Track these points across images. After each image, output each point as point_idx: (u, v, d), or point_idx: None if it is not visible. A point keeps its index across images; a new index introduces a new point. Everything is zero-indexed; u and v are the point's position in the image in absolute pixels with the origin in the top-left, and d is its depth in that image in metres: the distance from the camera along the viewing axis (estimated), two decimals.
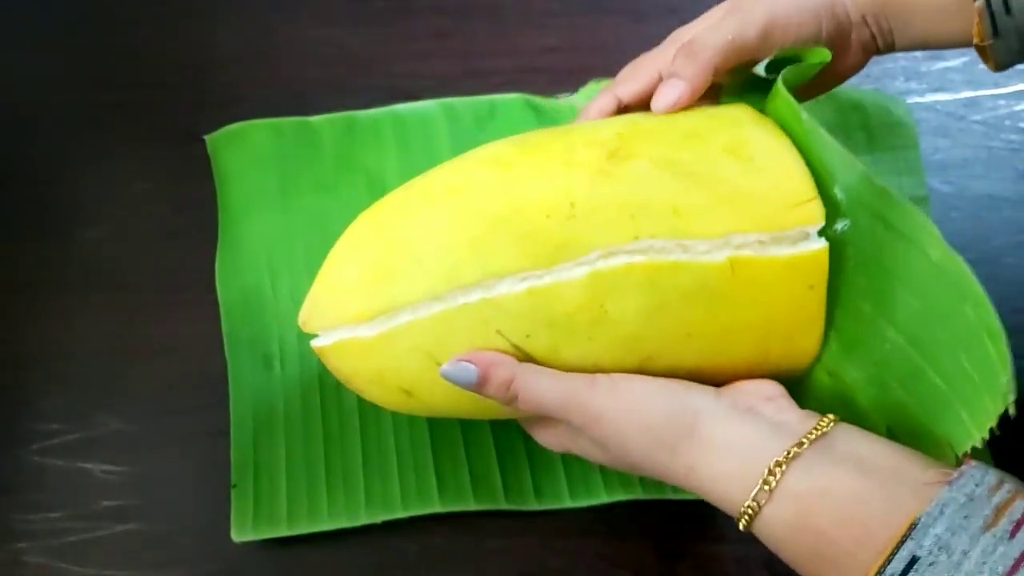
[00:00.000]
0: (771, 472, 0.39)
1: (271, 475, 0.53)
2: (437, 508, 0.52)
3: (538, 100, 0.65)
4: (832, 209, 0.44)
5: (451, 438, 0.54)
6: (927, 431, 0.41)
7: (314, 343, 0.45)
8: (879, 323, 0.43)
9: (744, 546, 0.52)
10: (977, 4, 0.47)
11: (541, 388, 0.42)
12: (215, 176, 0.62)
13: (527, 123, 0.65)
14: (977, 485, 0.36)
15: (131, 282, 0.60)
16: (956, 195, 0.63)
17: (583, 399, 0.42)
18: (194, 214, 0.61)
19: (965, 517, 0.35)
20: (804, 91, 0.50)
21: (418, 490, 0.52)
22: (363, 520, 0.52)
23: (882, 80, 0.68)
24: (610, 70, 0.69)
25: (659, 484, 0.52)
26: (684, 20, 0.70)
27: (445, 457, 0.54)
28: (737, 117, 0.47)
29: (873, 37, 0.50)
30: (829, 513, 0.38)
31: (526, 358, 0.43)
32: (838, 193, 0.44)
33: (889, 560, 0.35)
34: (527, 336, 0.42)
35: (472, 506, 0.52)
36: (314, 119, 0.64)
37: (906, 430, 0.42)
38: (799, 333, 0.44)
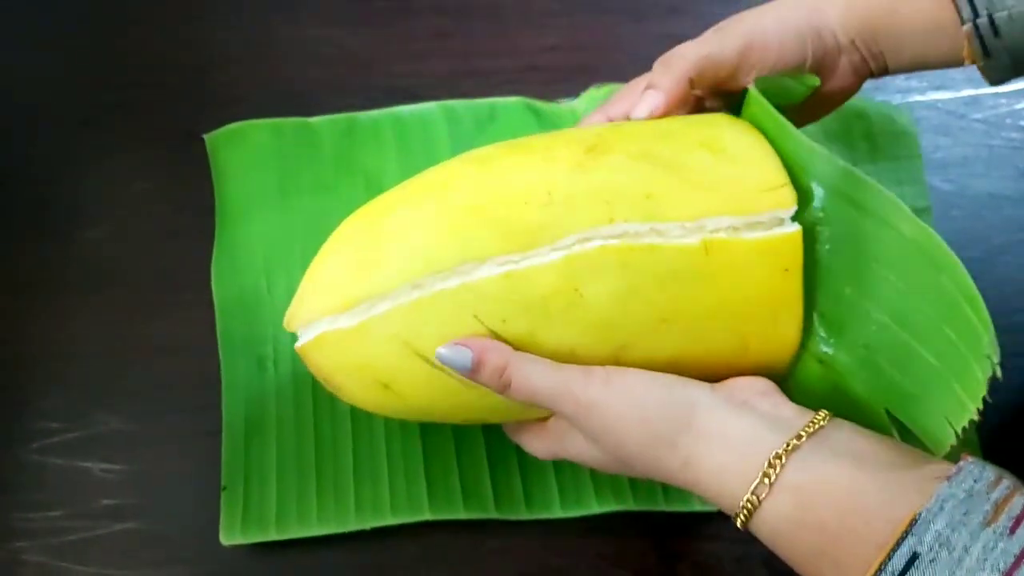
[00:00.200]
0: (771, 465, 0.38)
1: (261, 478, 0.53)
2: (427, 516, 0.52)
3: (539, 104, 0.65)
4: (806, 198, 0.44)
5: (443, 445, 0.54)
6: (924, 410, 0.41)
7: (297, 344, 0.46)
8: (863, 304, 0.43)
9: (743, 546, 0.52)
10: (965, 28, 0.47)
11: (535, 376, 0.42)
12: (213, 175, 0.62)
13: (527, 126, 0.64)
14: (976, 481, 0.36)
15: (131, 282, 0.60)
16: (957, 193, 0.63)
17: (577, 388, 0.42)
18: (194, 214, 0.61)
19: (965, 513, 0.35)
20: (799, 116, 0.50)
21: (408, 497, 0.52)
22: (352, 526, 0.51)
23: (883, 79, 0.68)
24: (610, 70, 0.69)
25: (650, 494, 0.52)
26: (684, 20, 0.71)
27: (436, 464, 0.53)
28: (713, 119, 0.48)
29: (864, 60, 0.50)
30: (830, 506, 0.37)
31: (502, 341, 0.43)
32: (814, 187, 0.44)
33: (890, 556, 0.35)
34: (503, 321, 0.42)
35: (462, 514, 0.52)
36: (314, 120, 0.64)
37: (904, 411, 0.42)
38: (777, 319, 0.44)
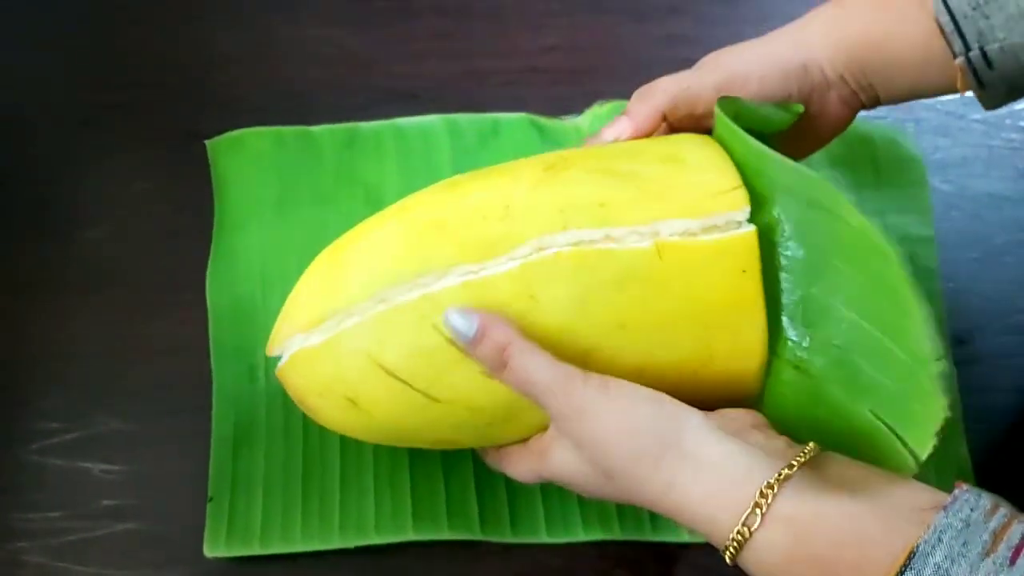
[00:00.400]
0: (762, 494, 0.37)
1: (248, 491, 0.53)
2: (410, 536, 0.51)
3: (542, 120, 0.64)
4: (765, 204, 0.44)
5: (431, 464, 0.54)
6: (904, 408, 0.41)
7: (277, 368, 0.47)
8: (830, 303, 0.43)
9: None
10: (957, 61, 0.47)
11: (533, 365, 0.41)
12: (214, 182, 0.62)
13: (530, 142, 0.64)
14: (972, 510, 0.35)
15: (131, 282, 0.60)
16: (956, 194, 0.63)
17: (572, 387, 0.41)
18: (194, 215, 0.61)
19: (963, 544, 0.34)
20: (793, 148, 0.49)
21: (393, 516, 0.52)
22: (336, 544, 0.51)
23: None
24: (610, 71, 0.69)
25: (638, 523, 0.52)
26: (684, 20, 0.71)
27: (423, 483, 0.53)
28: (676, 137, 0.49)
29: (855, 93, 0.50)
30: (825, 537, 0.36)
31: (461, 352, 0.43)
32: (774, 193, 0.45)
33: None
34: None
35: (446, 535, 0.52)
36: (316, 129, 0.64)
37: (886, 411, 0.42)
38: (740, 323, 0.44)
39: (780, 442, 0.41)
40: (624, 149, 0.48)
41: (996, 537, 0.34)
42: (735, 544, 0.37)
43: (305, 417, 0.54)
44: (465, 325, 0.42)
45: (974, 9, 0.45)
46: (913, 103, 0.66)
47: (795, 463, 0.38)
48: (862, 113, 0.52)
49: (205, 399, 0.55)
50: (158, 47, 0.69)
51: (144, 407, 0.56)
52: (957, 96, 0.49)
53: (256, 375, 0.56)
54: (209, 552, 0.51)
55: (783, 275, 0.44)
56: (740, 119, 0.46)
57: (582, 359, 0.43)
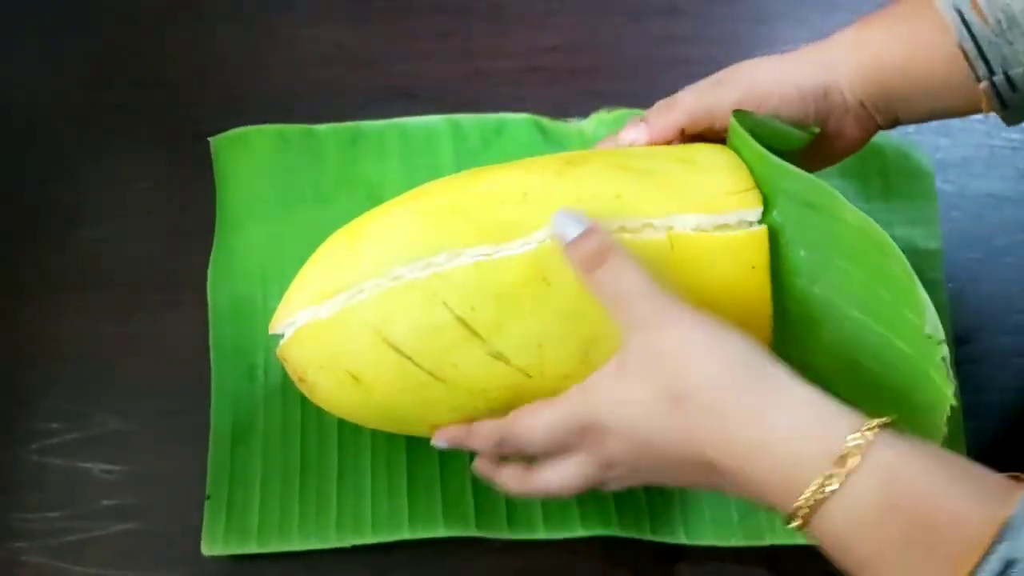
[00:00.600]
0: (862, 436, 0.34)
1: (245, 489, 0.53)
2: (406, 535, 0.52)
3: (546, 122, 0.64)
4: (770, 207, 0.45)
5: (427, 462, 0.54)
6: (911, 404, 0.41)
7: (281, 343, 0.48)
8: (833, 301, 0.43)
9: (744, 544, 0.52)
10: (982, 86, 0.47)
11: (629, 266, 0.40)
12: (216, 180, 0.62)
13: (533, 144, 0.64)
14: None
15: (131, 282, 0.60)
16: (957, 194, 0.63)
17: (662, 294, 0.40)
18: (194, 214, 0.61)
19: None
20: (805, 165, 0.49)
21: (389, 515, 0.52)
22: (332, 543, 0.51)
23: None
24: (610, 70, 0.69)
25: (637, 520, 0.52)
26: (684, 20, 0.71)
27: (419, 482, 0.53)
28: (693, 145, 0.49)
29: (871, 117, 0.50)
30: (921, 492, 0.34)
31: (470, 332, 0.43)
32: (777, 197, 0.45)
33: (985, 558, 0.32)
34: (472, 309, 0.43)
35: (441, 532, 0.52)
36: (319, 128, 0.64)
37: (892, 409, 0.41)
38: (748, 318, 0.44)
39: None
40: (640, 151, 0.49)
41: None
42: (819, 493, 0.34)
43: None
44: (577, 219, 0.42)
45: (997, 36, 0.46)
46: None
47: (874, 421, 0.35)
48: None
49: (205, 399, 0.55)
50: (158, 47, 0.69)
51: (144, 407, 0.56)
52: None
53: (255, 374, 0.56)
54: (207, 550, 0.51)
55: (788, 278, 0.45)
56: (755, 134, 0.46)
57: (587, 346, 0.43)
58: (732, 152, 0.48)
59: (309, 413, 0.55)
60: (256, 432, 0.54)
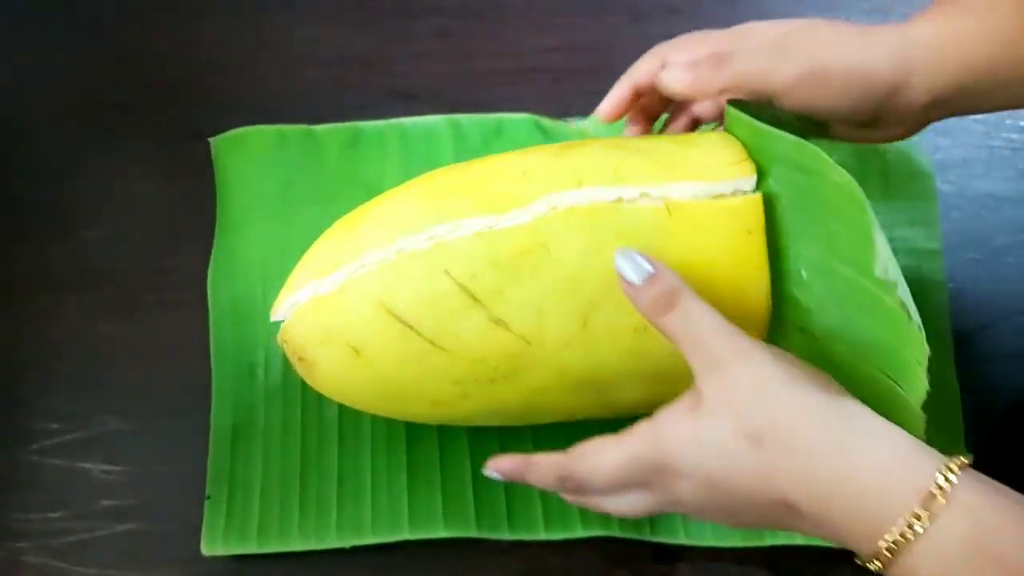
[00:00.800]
0: (946, 475, 0.33)
1: (246, 489, 0.53)
2: (407, 535, 0.52)
3: (546, 122, 0.64)
4: (766, 178, 0.45)
5: (428, 462, 0.54)
6: (899, 358, 0.41)
7: (282, 326, 0.48)
8: (829, 262, 0.44)
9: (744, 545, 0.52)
10: None
11: (700, 307, 0.40)
12: (216, 180, 0.62)
13: (533, 143, 0.62)
14: None
15: (131, 282, 0.60)
16: (957, 194, 0.63)
17: (735, 333, 0.39)
18: (194, 214, 0.61)
19: None
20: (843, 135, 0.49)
21: (389, 515, 0.52)
22: (332, 543, 0.51)
23: None
24: (610, 70, 0.69)
25: (637, 523, 0.52)
26: (684, 20, 0.71)
27: (420, 481, 0.53)
28: (692, 134, 0.50)
29: (930, 113, 0.48)
30: (1008, 536, 0.33)
31: (471, 299, 0.44)
32: (772, 167, 0.45)
33: None
34: (473, 276, 0.44)
35: (442, 533, 0.52)
36: (319, 128, 0.64)
37: (885, 364, 0.42)
38: (745, 282, 0.45)
39: None
40: (638, 138, 0.50)
41: None
42: (906, 532, 0.33)
43: (303, 416, 0.55)
44: (639, 263, 0.41)
45: None
46: None
47: (963, 457, 0.34)
48: None
49: (205, 399, 0.55)
50: (158, 47, 0.69)
51: (144, 407, 0.56)
52: None
53: (255, 374, 0.56)
54: (207, 550, 0.51)
55: (784, 242, 0.45)
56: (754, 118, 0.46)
57: (587, 313, 0.44)
58: (727, 134, 0.48)
59: (309, 413, 0.55)
60: (256, 432, 0.54)
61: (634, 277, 0.41)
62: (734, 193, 0.45)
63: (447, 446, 0.54)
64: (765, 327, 0.46)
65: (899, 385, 0.41)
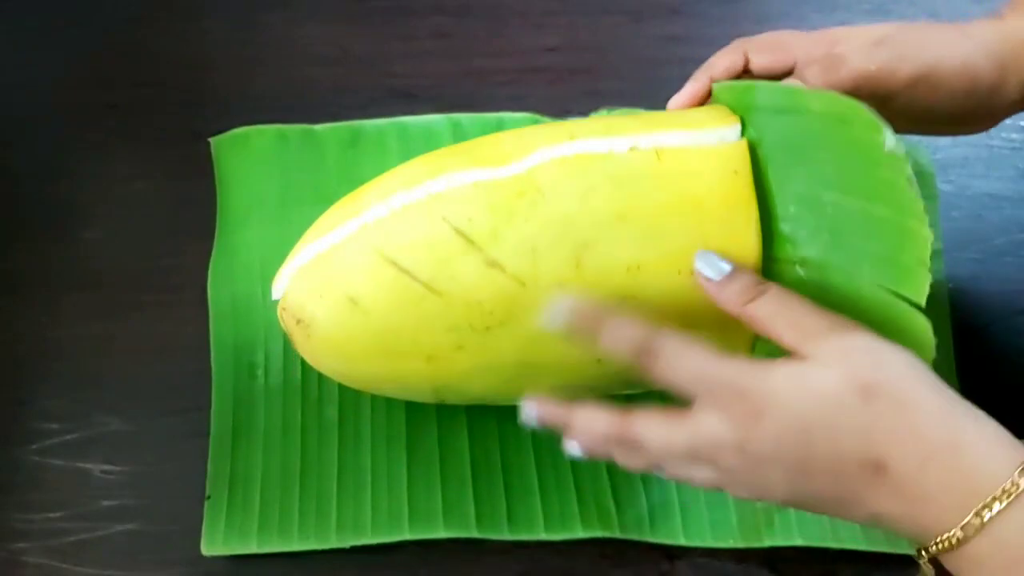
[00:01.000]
0: None
1: (246, 489, 0.53)
2: (407, 535, 0.51)
3: (547, 120, 0.64)
4: (748, 128, 0.47)
5: (428, 461, 0.54)
6: (901, 267, 0.42)
7: (282, 296, 0.49)
8: (816, 193, 0.45)
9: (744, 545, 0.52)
10: None
11: (789, 293, 0.41)
12: (217, 179, 0.62)
13: None
14: None
15: (131, 282, 0.60)
16: (957, 194, 0.63)
17: (822, 311, 0.39)
18: (194, 214, 0.61)
19: None
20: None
21: (389, 515, 0.52)
22: (332, 544, 0.51)
23: None
24: (610, 70, 0.69)
25: (637, 523, 0.52)
26: (685, 20, 0.71)
27: (419, 480, 0.53)
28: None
29: (1018, 106, 0.47)
30: None
31: (467, 242, 0.45)
32: (751, 118, 0.47)
33: None
34: (469, 220, 0.45)
35: (442, 533, 0.52)
36: (319, 127, 0.64)
37: (888, 279, 0.42)
38: (734, 220, 0.46)
39: None
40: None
41: None
42: (1007, 495, 0.34)
43: (303, 416, 0.55)
44: (718, 263, 0.43)
45: None
46: None
47: None
48: None
49: (205, 399, 0.55)
50: (158, 47, 0.69)
51: (144, 407, 0.56)
52: None
53: (256, 373, 0.56)
54: (207, 550, 0.51)
55: (769, 185, 0.46)
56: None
57: (579, 253, 0.45)
58: (713, 105, 0.50)
59: (309, 413, 0.55)
60: (256, 432, 0.54)
61: (713, 273, 0.43)
62: (719, 142, 0.46)
63: (447, 445, 0.54)
64: (757, 266, 0.46)
65: (901, 296, 0.42)
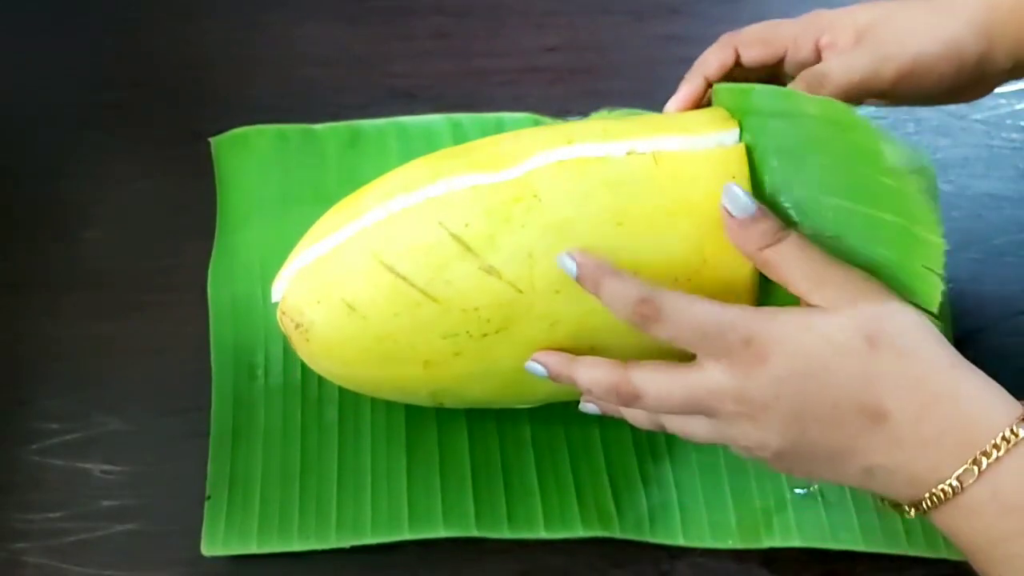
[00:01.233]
0: None
1: (246, 489, 0.52)
2: (406, 535, 0.51)
3: (546, 122, 0.64)
4: (743, 133, 0.47)
5: (427, 461, 0.54)
6: (907, 272, 0.42)
7: (281, 299, 0.49)
8: (814, 197, 0.44)
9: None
10: None
11: (805, 241, 0.41)
12: (216, 180, 0.62)
13: None
14: None
15: (131, 282, 0.60)
16: (957, 194, 0.63)
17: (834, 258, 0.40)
18: (194, 214, 0.61)
19: None
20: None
21: (389, 515, 0.52)
22: (332, 544, 0.51)
23: None
24: (610, 70, 0.69)
25: (637, 524, 0.52)
26: (685, 20, 0.71)
27: (419, 480, 0.53)
28: None
29: (1004, 76, 0.48)
30: None
31: (463, 247, 0.45)
32: (745, 122, 0.47)
33: None
34: (466, 225, 0.45)
35: (441, 532, 0.51)
36: (319, 127, 0.64)
37: (893, 284, 0.42)
38: None
39: None
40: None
41: None
42: (1005, 442, 0.35)
43: (303, 416, 0.55)
44: (746, 201, 0.42)
45: None
46: None
47: None
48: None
49: (205, 399, 0.55)
50: (158, 47, 0.69)
51: (144, 407, 0.56)
52: None
53: (256, 373, 0.56)
54: (207, 551, 0.51)
55: (768, 189, 0.46)
56: None
57: None
58: (712, 107, 0.50)
59: (309, 413, 0.55)
60: (256, 432, 0.54)
61: (737, 212, 0.42)
62: (717, 146, 0.46)
63: (447, 446, 0.54)
64: (753, 276, 0.46)
65: (910, 301, 0.41)
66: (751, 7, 0.71)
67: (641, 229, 0.45)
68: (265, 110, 0.65)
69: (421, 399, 0.51)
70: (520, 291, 0.45)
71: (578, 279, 0.43)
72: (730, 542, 0.51)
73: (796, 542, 0.51)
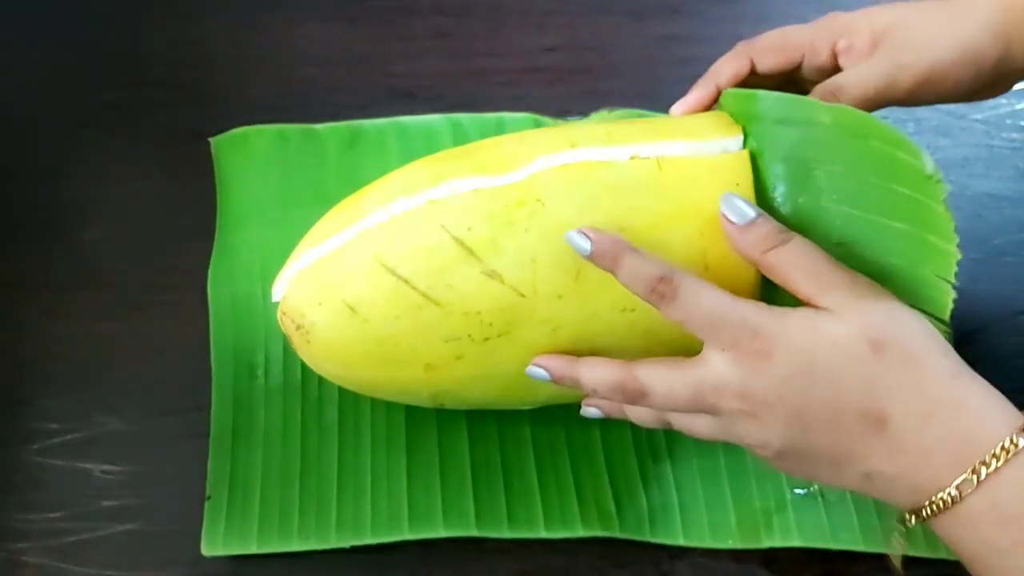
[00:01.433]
0: None
1: (246, 489, 0.52)
2: (407, 535, 0.51)
3: (546, 121, 0.64)
4: (747, 139, 0.47)
5: (427, 460, 0.53)
6: (917, 280, 0.42)
7: (282, 299, 0.49)
8: (821, 205, 0.44)
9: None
10: None
11: (809, 244, 0.41)
12: (216, 180, 0.62)
13: None
14: None
15: (131, 282, 0.60)
16: (957, 194, 0.63)
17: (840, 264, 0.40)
18: (194, 214, 0.61)
19: None
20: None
21: (389, 515, 0.52)
22: (332, 544, 0.51)
23: None
24: (610, 70, 0.69)
25: (638, 524, 0.52)
26: (685, 20, 0.71)
27: (419, 480, 0.53)
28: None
29: (1018, 75, 0.48)
30: None
31: (466, 251, 0.45)
32: (750, 128, 0.47)
33: None
34: (468, 229, 0.45)
35: (442, 532, 0.51)
36: (319, 127, 0.64)
37: (901, 293, 0.42)
38: None
39: None
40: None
41: None
42: (1004, 453, 0.35)
43: (303, 416, 0.55)
44: (743, 208, 0.42)
45: None
46: None
47: None
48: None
49: (205, 399, 0.55)
50: (157, 47, 0.69)
51: (144, 407, 0.56)
52: None
53: (256, 373, 0.56)
54: (207, 551, 0.51)
55: (773, 196, 0.46)
56: None
57: (580, 263, 0.44)
58: (716, 111, 0.50)
59: (309, 413, 0.55)
60: (256, 432, 0.54)
61: (737, 219, 0.42)
62: (721, 152, 0.46)
63: (447, 446, 0.54)
64: (755, 281, 0.46)
65: (921, 309, 0.41)
66: (751, 7, 0.71)
67: (644, 234, 0.44)
68: (265, 110, 0.65)
69: (422, 401, 0.51)
70: (522, 295, 0.45)
71: (592, 256, 0.42)
72: (730, 542, 0.51)
73: (796, 542, 0.51)
